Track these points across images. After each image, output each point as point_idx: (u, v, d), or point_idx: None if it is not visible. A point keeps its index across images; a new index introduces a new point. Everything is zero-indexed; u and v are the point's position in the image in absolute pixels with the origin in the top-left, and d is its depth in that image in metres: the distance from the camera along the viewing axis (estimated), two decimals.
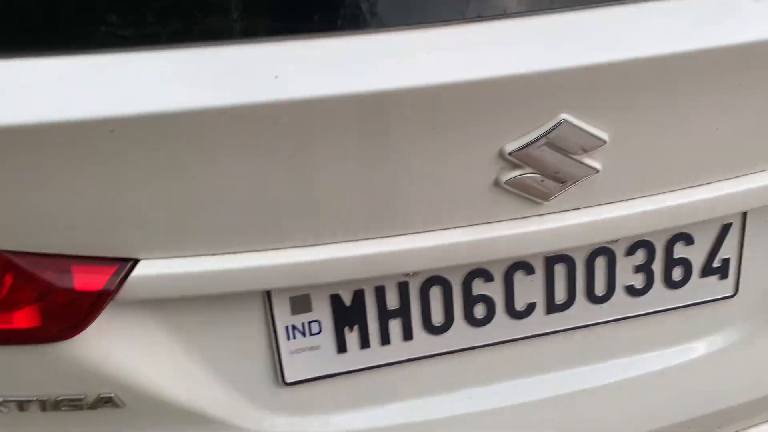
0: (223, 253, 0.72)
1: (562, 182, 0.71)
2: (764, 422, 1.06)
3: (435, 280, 0.84)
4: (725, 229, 0.89)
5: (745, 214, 0.89)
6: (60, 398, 0.79)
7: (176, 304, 0.77)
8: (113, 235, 0.69)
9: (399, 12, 0.66)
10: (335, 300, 0.82)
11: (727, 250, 0.91)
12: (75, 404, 0.80)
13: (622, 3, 0.69)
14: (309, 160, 0.67)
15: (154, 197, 0.67)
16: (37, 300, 0.70)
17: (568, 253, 0.86)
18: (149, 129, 0.62)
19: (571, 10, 0.68)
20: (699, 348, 0.97)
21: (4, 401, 0.80)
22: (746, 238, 0.91)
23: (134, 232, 0.69)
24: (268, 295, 0.79)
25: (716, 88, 0.72)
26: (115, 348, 0.77)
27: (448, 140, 0.66)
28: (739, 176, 0.82)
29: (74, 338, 0.74)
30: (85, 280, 0.70)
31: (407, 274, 0.82)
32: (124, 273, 0.70)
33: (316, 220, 0.72)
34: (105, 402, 0.80)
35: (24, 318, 0.71)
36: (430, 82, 0.62)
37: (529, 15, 0.67)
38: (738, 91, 0.73)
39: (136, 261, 0.70)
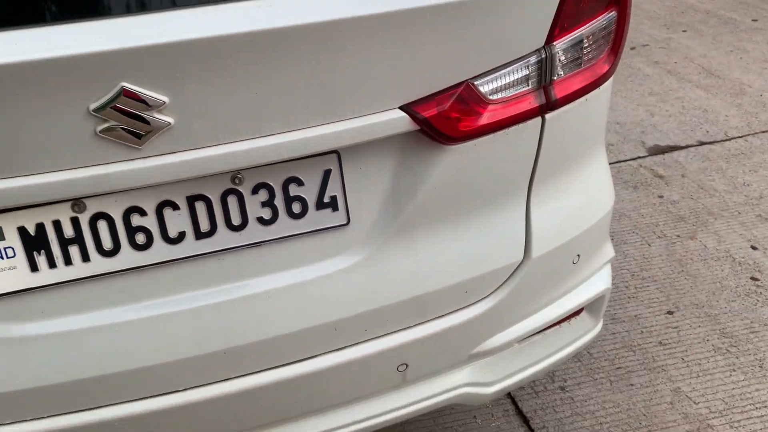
0: None
1: (147, 132, 1.04)
2: (406, 328, 1.38)
3: (99, 215, 1.15)
4: (327, 173, 1.23)
5: (340, 162, 1.23)
6: None
7: None
8: None
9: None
10: (22, 232, 1.14)
11: (333, 189, 1.24)
12: None
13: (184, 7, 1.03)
14: None
15: None
16: None
17: (204, 193, 1.18)
18: None
19: (144, 12, 1.02)
20: (331, 265, 1.30)
21: None
22: (346, 181, 1.24)
23: None
24: None
25: (269, 63, 1.06)
26: None
27: (59, 98, 0.98)
28: (317, 126, 1.14)
29: None
30: None
31: (76, 208, 1.14)
32: None
33: None
34: None
35: None
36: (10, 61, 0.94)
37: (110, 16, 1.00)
38: (289, 62, 1.06)
39: None
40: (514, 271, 1.43)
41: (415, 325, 1.38)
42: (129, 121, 1.02)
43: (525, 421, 2.18)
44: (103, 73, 0.98)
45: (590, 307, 1.65)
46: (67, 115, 1.01)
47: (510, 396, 2.26)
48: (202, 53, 1.02)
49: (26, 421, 1.23)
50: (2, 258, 1.14)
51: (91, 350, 1.21)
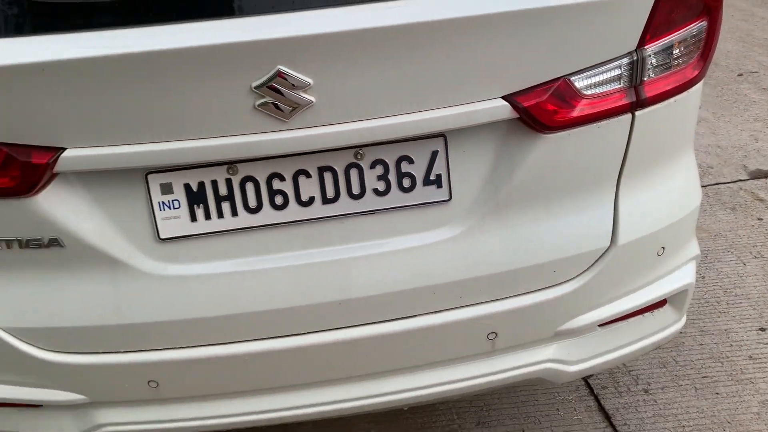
0: (110, 145, 1.31)
1: (293, 108, 1.27)
2: (496, 300, 1.54)
3: (248, 178, 1.40)
4: (435, 153, 1.42)
5: (446, 145, 1.42)
6: (29, 239, 1.39)
7: (95, 181, 1.35)
8: (53, 133, 1.29)
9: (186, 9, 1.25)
10: (187, 187, 1.40)
11: (439, 168, 1.43)
12: (38, 243, 1.39)
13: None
14: (156, 89, 1.26)
15: (73, 112, 1.27)
16: (14, 168, 1.31)
17: (332, 165, 1.41)
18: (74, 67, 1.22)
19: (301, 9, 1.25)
20: (434, 236, 1.48)
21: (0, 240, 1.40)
22: (450, 161, 1.43)
23: (65, 132, 1.29)
24: (146, 180, 1.37)
25: (393, 55, 1.27)
26: (58, 206, 1.36)
27: (227, 77, 1.23)
28: (429, 110, 1.34)
29: (35, 196, 1.33)
30: (37, 157, 1.30)
31: (230, 171, 1.39)
32: (57, 155, 1.30)
33: (161, 128, 1.29)
34: (54, 243, 1.39)
35: (8, 179, 1.31)
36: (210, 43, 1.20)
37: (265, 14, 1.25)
38: (410, 55, 1.27)
39: (64, 149, 1.30)
40: (601, 257, 1.56)
41: (505, 298, 1.54)
42: (281, 98, 1.26)
43: (607, 417, 2.26)
44: (264, 58, 1.23)
45: (673, 301, 1.75)
46: (233, 91, 1.25)
47: (592, 393, 2.35)
48: (343, 44, 1.25)
49: (172, 348, 1.48)
50: (170, 209, 1.40)
51: (231, 292, 1.45)
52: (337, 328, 1.49)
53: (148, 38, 1.22)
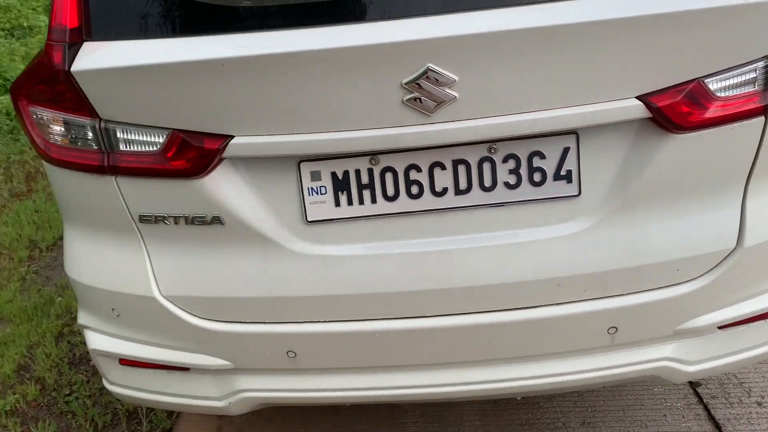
0: (271, 134, 1.46)
1: (438, 103, 1.38)
2: (620, 295, 1.59)
3: (388, 168, 1.52)
4: (566, 150, 1.49)
5: (578, 141, 1.48)
6: (193, 216, 1.56)
7: (254, 166, 1.51)
8: (223, 123, 1.45)
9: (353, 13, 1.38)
10: (333, 175, 1.53)
11: (569, 164, 1.50)
12: (201, 220, 1.57)
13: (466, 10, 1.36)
14: (307, 86, 1.40)
15: (242, 104, 1.43)
16: (188, 153, 1.48)
17: (466, 158, 1.50)
18: (248, 63, 1.37)
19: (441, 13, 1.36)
20: (561, 229, 1.55)
21: (168, 216, 1.58)
22: (581, 158, 1.50)
23: (233, 122, 1.45)
24: (298, 167, 1.52)
25: (533, 55, 1.35)
26: (223, 188, 1.52)
27: (379, 75, 1.36)
28: (564, 107, 1.41)
29: (204, 178, 1.50)
30: (209, 143, 1.47)
31: (372, 161, 1.51)
32: (227, 141, 1.46)
33: (315, 121, 1.43)
34: (216, 220, 1.56)
35: (182, 162, 1.49)
36: (365, 43, 1.33)
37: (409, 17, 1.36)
38: (549, 55, 1.35)
39: (232, 136, 1.46)
40: (725, 258, 1.58)
41: (628, 293, 1.58)
42: (428, 93, 1.37)
43: (717, 427, 2.23)
44: (415, 56, 1.34)
45: None
46: (384, 87, 1.37)
47: (702, 402, 2.33)
48: (487, 45, 1.34)
49: (311, 322, 1.62)
50: (317, 194, 1.54)
51: (367, 273, 1.57)
52: (462, 314, 1.58)
53: (310, 38, 1.36)
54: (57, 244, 3.86)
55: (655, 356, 1.68)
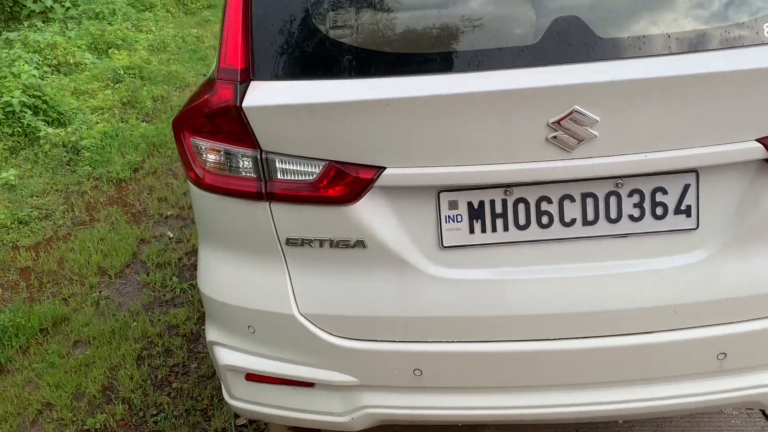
0: (419, 166, 1.60)
1: (579, 140, 1.53)
2: (731, 323, 1.70)
3: (520, 199, 1.66)
4: (687, 186, 1.63)
5: (698, 179, 1.62)
6: (339, 240, 1.70)
7: (397, 195, 1.65)
8: (377, 155, 1.60)
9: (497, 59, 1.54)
10: (470, 205, 1.67)
11: (689, 200, 1.64)
12: (345, 244, 1.70)
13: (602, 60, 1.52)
14: (457, 124, 1.55)
15: (396, 139, 1.58)
16: (342, 182, 1.63)
17: (594, 192, 1.64)
18: (409, 104, 1.53)
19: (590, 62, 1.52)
20: (680, 260, 1.68)
21: (314, 239, 1.72)
22: (700, 194, 1.63)
23: (386, 154, 1.60)
24: (438, 196, 1.66)
25: (665, 100, 1.51)
26: (369, 214, 1.66)
27: (526, 114, 1.51)
28: (688, 148, 1.56)
29: (354, 205, 1.64)
30: (363, 173, 1.61)
31: (506, 193, 1.65)
32: (379, 172, 1.61)
33: (460, 155, 1.58)
34: (359, 244, 1.69)
35: (336, 190, 1.63)
36: (520, 87, 1.49)
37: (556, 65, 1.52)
38: (679, 100, 1.51)
39: (384, 168, 1.61)
40: None
41: (740, 321, 1.70)
42: (572, 132, 1.52)
43: None
44: (562, 99, 1.49)
45: None
46: (530, 125, 1.53)
47: None
48: (626, 90, 1.50)
49: (440, 342, 1.74)
50: (454, 222, 1.68)
51: (497, 296, 1.69)
52: (585, 337, 1.70)
53: (469, 82, 1.52)
54: (125, 271, 3.99)
55: (759, 383, 1.79)
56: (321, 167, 1.64)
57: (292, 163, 1.65)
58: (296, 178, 1.66)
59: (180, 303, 3.62)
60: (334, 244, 1.71)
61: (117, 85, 7.00)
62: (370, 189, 1.63)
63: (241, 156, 1.67)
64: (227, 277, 1.86)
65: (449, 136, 1.56)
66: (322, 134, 1.60)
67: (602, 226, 1.66)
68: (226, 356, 1.92)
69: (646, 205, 1.65)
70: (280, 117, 1.61)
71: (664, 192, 1.64)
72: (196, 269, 4.01)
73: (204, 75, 7.57)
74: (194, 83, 7.33)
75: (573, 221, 1.66)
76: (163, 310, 3.56)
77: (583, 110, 1.50)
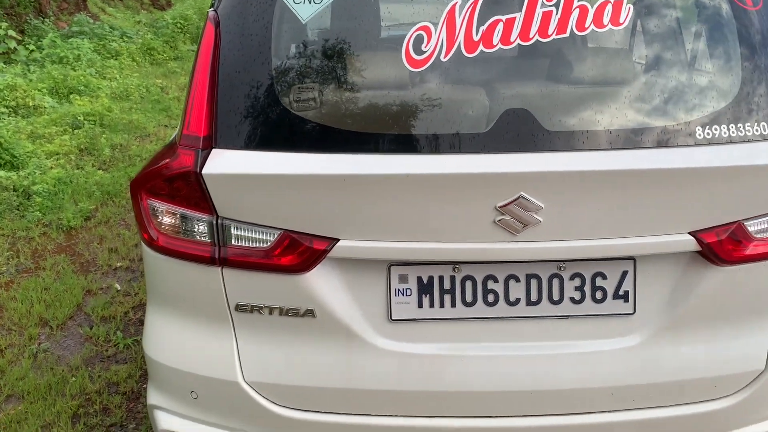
0: (372, 240, 1.65)
1: (524, 225, 1.60)
2: (664, 406, 1.77)
3: (468, 277, 1.71)
4: (624, 273, 1.71)
5: (635, 266, 1.71)
6: (288, 308, 1.72)
7: (348, 267, 1.69)
8: (331, 227, 1.64)
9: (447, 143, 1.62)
10: (419, 279, 1.71)
11: (627, 286, 1.72)
12: (294, 312, 1.72)
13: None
14: (411, 202, 1.61)
15: (350, 213, 1.63)
16: (296, 251, 1.66)
17: (538, 273, 1.71)
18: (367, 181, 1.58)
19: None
20: (617, 343, 1.74)
21: (264, 306, 1.73)
22: (638, 281, 1.72)
23: (340, 227, 1.64)
24: (389, 270, 1.70)
25: (605, 192, 1.60)
26: (320, 284, 1.69)
27: (476, 197, 1.58)
28: (626, 237, 1.65)
29: (305, 274, 1.67)
30: (317, 244, 1.65)
31: (455, 269, 1.70)
32: (333, 244, 1.65)
33: (412, 231, 1.63)
34: (308, 313, 1.71)
35: (289, 259, 1.66)
36: (465, 172, 1.56)
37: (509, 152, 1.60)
38: (618, 192, 1.60)
39: (338, 240, 1.65)
40: (756, 378, 1.78)
41: (672, 405, 1.76)
42: (517, 216, 1.59)
43: None
44: (509, 185, 1.57)
45: None
46: (479, 208, 1.60)
47: None
48: (571, 180, 1.58)
49: (388, 416, 1.75)
50: (403, 295, 1.72)
51: (441, 370, 1.73)
52: (527, 416, 1.74)
53: (423, 163, 1.59)
54: (67, 323, 3.89)
55: None
56: (275, 236, 1.67)
57: (247, 230, 1.68)
58: (250, 245, 1.69)
59: (123, 359, 3.53)
60: (284, 312, 1.72)
61: (76, 131, 6.95)
62: (322, 260, 1.66)
63: (197, 220, 1.69)
64: (172, 340, 1.85)
65: (403, 212, 1.62)
66: (279, 204, 1.64)
67: (545, 307, 1.72)
68: (166, 421, 1.88)
69: (587, 288, 1.72)
70: (238, 185, 1.65)
71: (604, 277, 1.71)
72: (142, 325, 3.94)
73: (166, 126, 7.59)
74: (155, 133, 7.34)
75: (517, 300, 1.72)
76: (104, 366, 3.46)
77: (529, 197, 1.58)
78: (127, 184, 5.97)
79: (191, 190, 1.66)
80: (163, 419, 1.89)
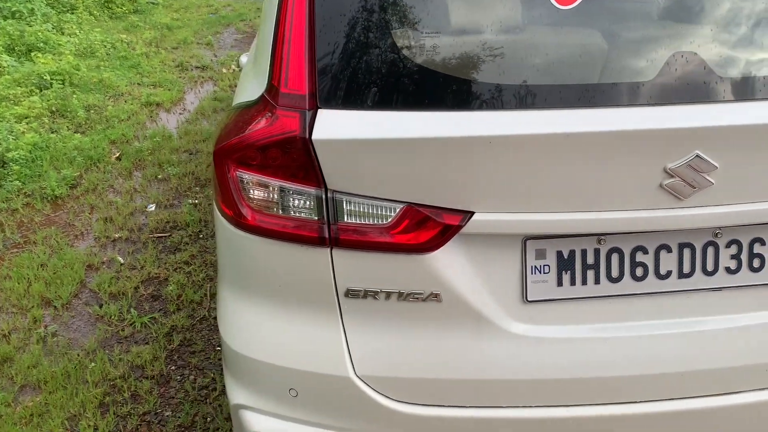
0: (511, 212, 1.41)
1: (693, 188, 1.39)
2: None
3: (614, 249, 1.50)
4: None
5: None
6: (409, 292, 1.48)
7: (477, 242, 1.46)
8: (466, 198, 1.40)
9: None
10: (559, 254, 1.49)
11: None
12: (416, 297, 1.48)
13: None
14: (561, 166, 1.38)
15: (489, 181, 1.38)
16: (422, 228, 1.41)
17: (692, 242, 1.51)
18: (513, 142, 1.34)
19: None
20: None
21: (380, 291, 1.49)
22: None
23: (476, 198, 1.40)
24: (524, 244, 1.47)
25: None
26: (447, 264, 1.46)
27: (641, 158, 1.35)
28: None
29: (432, 254, 1.43)
30: (448, 219, 1.41)
31: (599, 242, 1.49)
32: (467, 218, 1.41)
33: (559, 200, 1.41)
34: (432, 297, 1.48)
35: (414, 237, 1.42)
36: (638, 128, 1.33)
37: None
38: None
39: (473, 213, 1.41)
40: None
41: None
42: (689, 179, 1.37)
43: None
44: (684, 142, 1.35)
45: None
46: (643, 170, 1.37)
47: None
48: (749, 136, 1.37)
49: (523, 407, 1.55)
50: (540, 273, 1.50)
51: (586, 356, 1.52)
52: (679, 398, 1.56)
53: (576, 120, 1.35)
54: (73, 302, 3.57)
55: None
56: (396, 210, 1.42)
57: (363, 205, 1.43)
58: (366, 221, 1.43)
59: (142, 339, 3.25)
60: (403, 296, 1.48)
61: (44, 92, 6.43)
62: (454, 236, 1.42)
63: (302, 195, 1.43)
64: (265, 332, 1.59)
65: (550, 178, 1.38)
66: (402, 173, 1.39)
67: (698, 279, 1.53)
68: (258, 422, 1.64)
69: (743, 256, 1.53)
70: (354, 152, 1.38)
71: (762, 243, 1.52)
72: (154, 300, 3.64)
73: (139, 84, 7.10)
74: (128, 92, 6.85)
75: (668, 273, 1.52)
76: (124, 348, 3.18)
77: (705, 156, 1.36)
78: (110, 148, 5.55)
79: (296, 159, 1.39)
80: (254, 420, 1.65)
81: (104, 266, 3.88)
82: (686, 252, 1.51)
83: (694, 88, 1.38)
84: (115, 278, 3.73)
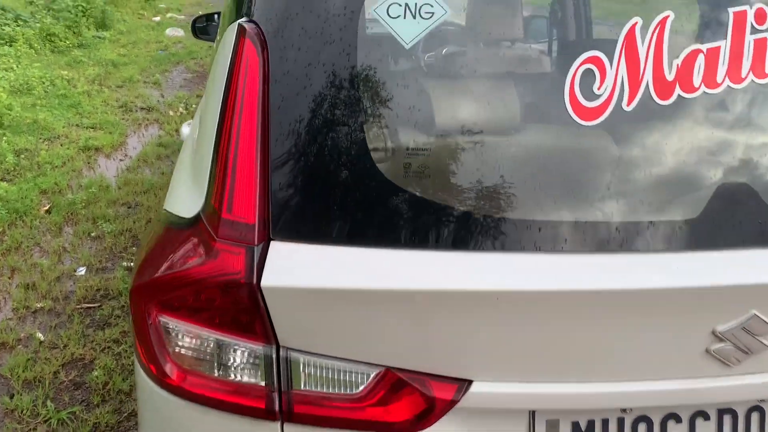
0: (518, 381, 1.10)
1: (746, 353, 1.10)
2: None
3: (641, 418, 1.19)
4: None
5: None
6: None
7: (476, 417, 1.13)
8: (462, 364, 1.08)
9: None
10: (575, 426, 1.18)
11: None
12: None
13: None
14: (581, 327, 1.07)
15: (493, 344, 1.07)
16: (405, 399, 1.08)
17: (733, 407, 1.22)
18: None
19: None
20: None
21: None
22: None
23: (475, 364, 1.08)
24: (532, 415, 1.16)
25: None
26: None
27: (686, 319, 1.06)
28: None
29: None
30: (439, 390, 1.08)
31: (624, 411, 1.18)
32: (464, 389, 1.08)
33: (576, 368, 1.10)
34: None
35: (393, 411, 1.08)
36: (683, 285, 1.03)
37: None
38: None
39: (471, 382, 1.09)
40: None
41: None
42: (742, 344, 1.08)
43: None
44: (737, 301, 1.06)
45: None
46: (686, 333, 1.08)
47: None
48: None
49: None
50: None
51: None
52: None
53: (602, 269, 1.05)
54: None
55: None
56: (371, 377, 1.08)
57: (326, 369, 1.09)
58: (330, 390, 1.09)
59: None
60: None
61: None
62: (447, 411, 1.09)
63: (245, 352, 1.08)
64: None
65: (570, 343, 1.08)
66: (379, 330, 1.06)
67: None
68: None
69: None
70: (315, 302, 1.05)
71: None
72: (76, 388, 3.18)
73: (77, 125, 6.63)
74: (65, 135, 6.38)
75: None
76: None
77: (764, 317, 1.07)
78: (39, 198, 5.07)
79: (238, 305, 1.05)
80: None
81: (20, 345, 3.41)
82: (726, 419, 1.22)
83: (746, 229, 1.10)
84: (32, 360, 3.26)
